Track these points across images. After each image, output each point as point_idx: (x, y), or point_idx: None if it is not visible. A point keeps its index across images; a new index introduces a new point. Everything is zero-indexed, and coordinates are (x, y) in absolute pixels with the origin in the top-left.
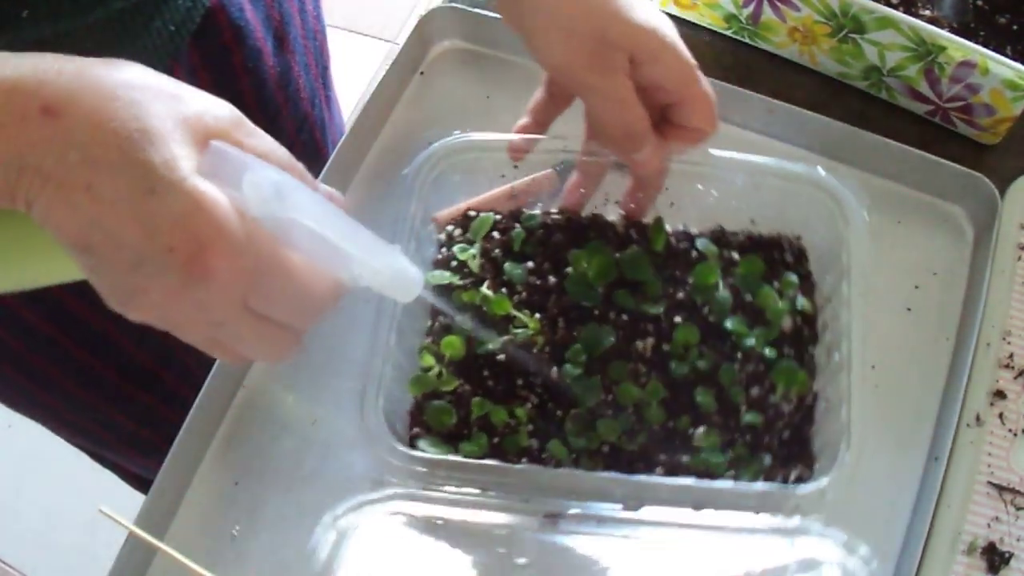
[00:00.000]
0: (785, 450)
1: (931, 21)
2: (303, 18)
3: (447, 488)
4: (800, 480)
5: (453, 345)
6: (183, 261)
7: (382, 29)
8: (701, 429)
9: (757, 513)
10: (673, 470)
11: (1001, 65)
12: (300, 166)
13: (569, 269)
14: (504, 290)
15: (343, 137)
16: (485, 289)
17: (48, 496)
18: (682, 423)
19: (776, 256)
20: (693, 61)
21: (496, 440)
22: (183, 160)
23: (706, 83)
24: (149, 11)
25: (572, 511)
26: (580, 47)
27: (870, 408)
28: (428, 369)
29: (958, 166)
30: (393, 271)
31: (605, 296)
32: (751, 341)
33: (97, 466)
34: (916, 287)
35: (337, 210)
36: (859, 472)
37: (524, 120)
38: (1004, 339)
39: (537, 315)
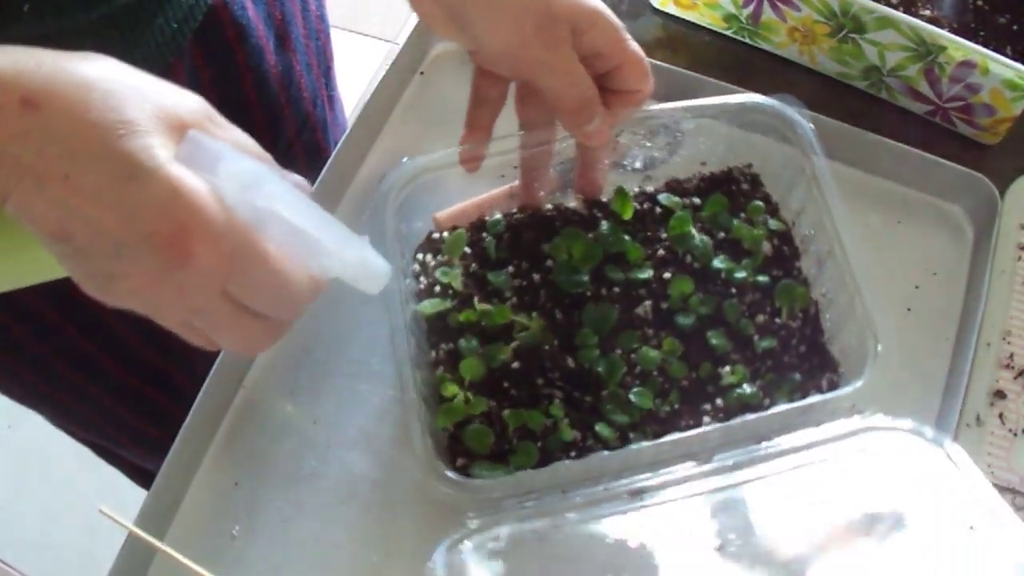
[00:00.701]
0: (807, 363)
1: (931, 21)
2: (305, 17)
3: (527, 503)
4: (832, 386)
5: (472, 367)
6: (164, 245)
7: (382, 29)
8: (726, 368)
9: (819, 425)
10: (716, 415)
11: (1001, 65)
12: (269, 157)
13: (549, 262)
14: (495, 300)
15: (343, 137)
16: (481, 304)
17: (48, 496)
18: (705, 369)
19: (734, 189)
20: (621, 23)
21: (540, 444)
22: (161, 148)
23: (636, 44)
24: (152, 8)
25: (653, 481)
26: (528, 25)
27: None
28: (452, 397)
29: (958, 166)
30: (362, 262)
31: (591, 277)
32: (742, 274)
33: (97, 466)
34: (916, 287)
35: (310, 201)
36: (891, 361)
37: (465, 132)
38: (1004, 339)
39: (534, 313)
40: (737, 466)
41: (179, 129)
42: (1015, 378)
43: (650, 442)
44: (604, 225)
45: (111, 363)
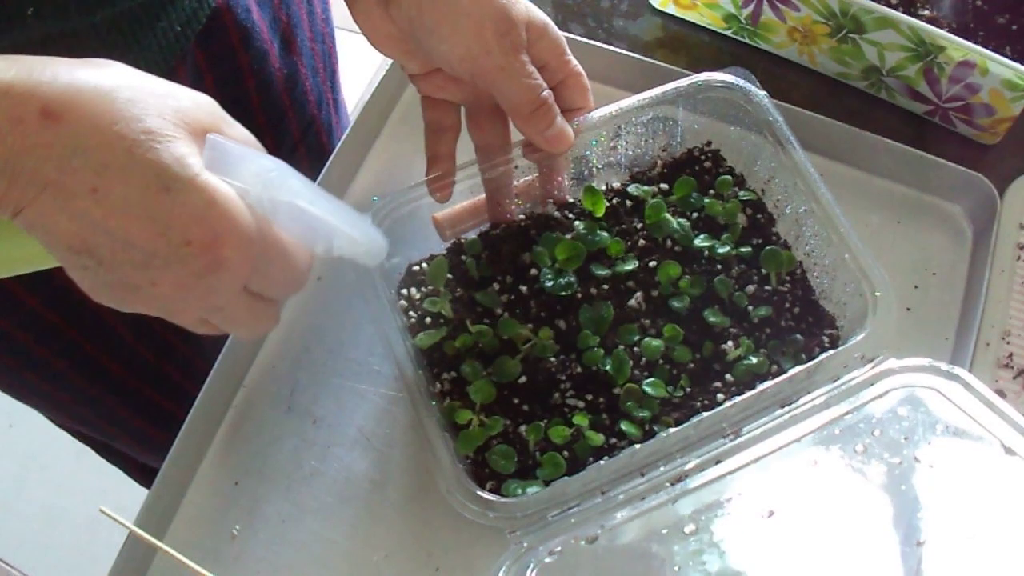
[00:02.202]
0: (804, 324)
1: (930, 21)
2: (311, 20)
3: (571, 512)
4: (833, 341)
5: (484, 390)
6: (199, 253)
7: None
8: (728, 343)
9: (835, 380)
10: (728, 391)
11: (1000, 65)
12: (264, 149)
13: (533, 271)
14: (487, 319)
15: (343, 136)
16: (474, 326)
17: (48, 496)
18: (708, 348)
19: (698, 168)
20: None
21: (565, 452)
22: (191, 157)
23: (576, 61)
24: (155, 11)
25: (690, 465)
26: (489, 31)
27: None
28: (467, 423)
29: (957, 166)
30: (368, 239)
31: (578, 277)
32: (724, 248)
33: (97, 466)
34: (916, 287)
35: (318, 187)
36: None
37: (428, 164)
38: (1003, 339)
39: (530, 325)
40: (767, 434)
41: (199, 132)
42: (1014, 378)
43: (676, 428)
44: (580, 225)
45: (111, 364)
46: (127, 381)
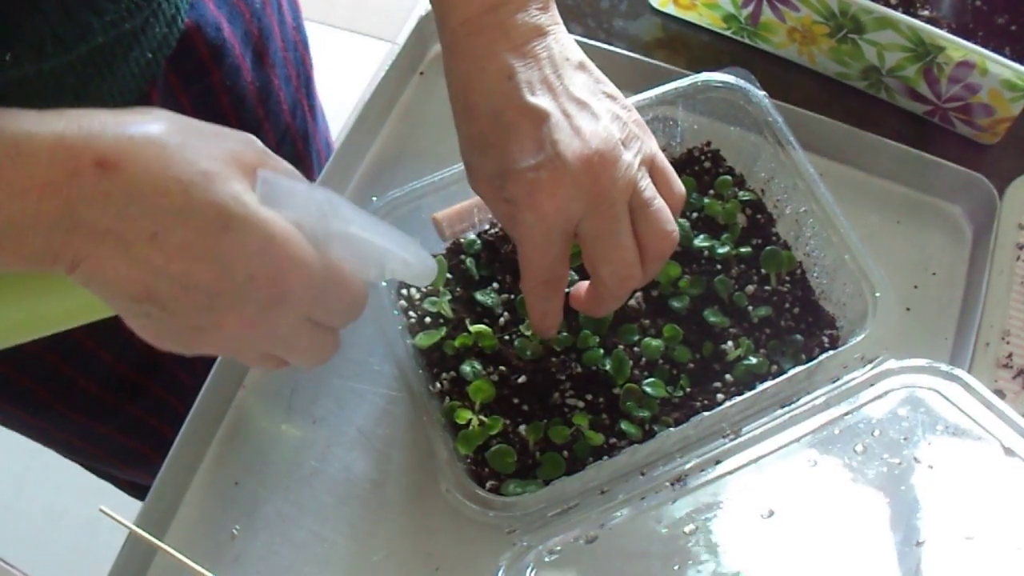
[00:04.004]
0: (804, 324)
1: (930, 21)
2: (283, 30)
3: (571, 511)
4: (833, 341)
5: (483, 389)
6: (263, 287)
7: (382, 29)
8: (728, 344)
9: (835, 381)
10: (728, 391)
11: (1000, 65)
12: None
13: None
14: (487, 319)
15: (343, 137)
16: (474, 326)
17: (48, 496)
18: (708, 348)
19: (698, 168)
20: None
21: (565, 452)
22: (247, 194)
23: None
24: (128, 42)
25: (689, 465)
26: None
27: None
28: (467, 423)
29: (957, 166)
30: (420, 261)
31: (578, 276)
32: (724, 248)
33: None
34: (915, 287)
35: (368, 213)
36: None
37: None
38: (1003, 339)
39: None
40: (767, 434)
41: (249, 169)
42: (1014, 377)
43: (676, 428)
44: None
45: (90, 386)
46: (104, 400)
